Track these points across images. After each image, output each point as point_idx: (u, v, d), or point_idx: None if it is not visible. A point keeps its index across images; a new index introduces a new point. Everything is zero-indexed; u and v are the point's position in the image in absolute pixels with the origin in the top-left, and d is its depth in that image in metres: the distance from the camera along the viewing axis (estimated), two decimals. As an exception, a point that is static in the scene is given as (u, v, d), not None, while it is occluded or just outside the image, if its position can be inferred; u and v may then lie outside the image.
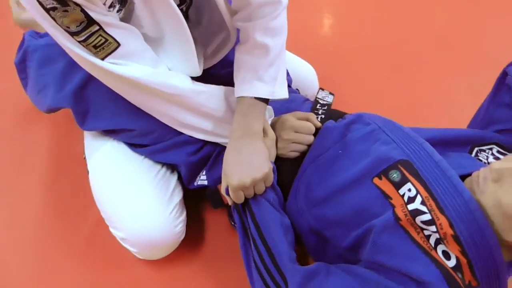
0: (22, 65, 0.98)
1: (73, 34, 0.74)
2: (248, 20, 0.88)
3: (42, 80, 0.95)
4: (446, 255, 0.76)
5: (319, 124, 0.95)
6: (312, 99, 1.09)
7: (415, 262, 0.75)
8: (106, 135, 1.00)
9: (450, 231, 0.75)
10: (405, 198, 0.79)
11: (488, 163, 0.90)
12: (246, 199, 0.87)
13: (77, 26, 0.73)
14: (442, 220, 0.75)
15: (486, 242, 0.74)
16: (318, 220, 0.87)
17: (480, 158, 0.91)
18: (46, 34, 0.98)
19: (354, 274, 0.80)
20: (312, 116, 0.95)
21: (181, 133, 0.95)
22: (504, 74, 0.97)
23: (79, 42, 0.76)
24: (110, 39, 0.77)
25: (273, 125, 0.94)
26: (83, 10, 0.72)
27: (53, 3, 0.69)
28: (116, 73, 0.80)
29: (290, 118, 0.94)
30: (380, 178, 0.82)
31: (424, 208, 0.76)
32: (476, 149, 0.92)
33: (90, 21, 0.74)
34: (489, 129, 0.97)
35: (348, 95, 1.29)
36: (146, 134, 0.95)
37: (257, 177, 0.83)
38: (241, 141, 0.86)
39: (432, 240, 0.76)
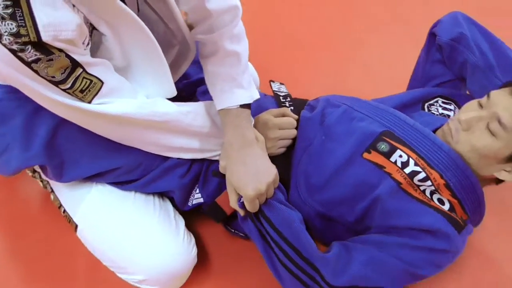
0: None
1: (58, 83, 0.69)
2: (211, 31, 0.87)
3: (1, 142, 0.83)
4: (441, 202, 0.89)
5: (296, 116, 1.00)
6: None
7: (422, 215, 0.87)
8: (86, 181, 0.93)
9: (442, 181, 0.88)
10: (398, 164, 0.89)
11: (440, 114, 1.05)
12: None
13: (61, 74, 0.68)
14: (434, 174, 0.88)
15: (469, 182, 0.89)
16: (323, 204, 0.94)
17: (432, 111, 1.05)
18: None
19: (371, 242, 0.89)
20: (287, 110, 1.00)
21: (167, 158, 0.93)
22: (432, 34, 1.12)
23: (65, 90, 0.70)
24: (94, 79, 0.73)
25: (255, 127, 0.97)
26: (67, 55, 0.67)
27: (36, 55, 0.64)
28: (105, 113, 0.76)
29: (270, 117, 0.97)
30: (369, 152, 0.91)
31: (418, 168, 0.88)
32: (426, 104, 1.07)
33: (75, 65, 0.69)
34: (429, 84, 1.13)
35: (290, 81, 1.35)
36: (133, 169, 0.91)
37: (270, 181, 0.86)
38: (242, 152, 0.88)
39: (427, 193, 0.89)
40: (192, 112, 0.89)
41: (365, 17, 1.78)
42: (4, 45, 0.62)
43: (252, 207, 0.87)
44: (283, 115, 0.99)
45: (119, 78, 0.79)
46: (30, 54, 0.63)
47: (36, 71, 0.66)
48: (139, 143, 0.88)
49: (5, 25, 0.60)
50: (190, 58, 0.97)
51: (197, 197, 0.99)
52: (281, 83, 1.16)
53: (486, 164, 0.89)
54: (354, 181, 0.91)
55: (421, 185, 0.89)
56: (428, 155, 0.90)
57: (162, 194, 0.99)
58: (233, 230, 1.06)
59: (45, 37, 0.63)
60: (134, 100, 0.80)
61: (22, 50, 0.63)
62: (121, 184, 0.93)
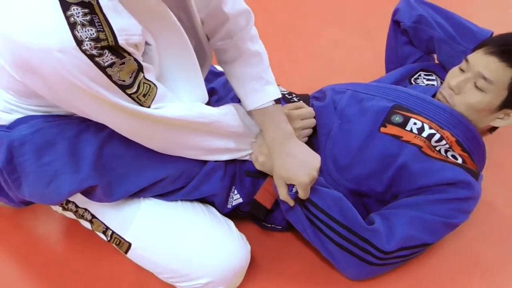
0: (11, 166, 0.81)
1: (126, 87, 0.72)
2: (229, 36, 0.93)
3: (48, 170, 0.80)
4: (455, 157, 1.02)
5: (310, 107, 1.08)
6: None
7: (444, 171, 0.98)
8: (132, 198, 0.93)
9: (453, 139, 1.00)
10: (414, 131, 1.00)
11: (426, 85, 1.18)
12: None
13: (129, 78, 0.72)
14: (446, 133, 1.00)
15: (473, 135, 1.03)
16: (354, 181, 1.03)
17: (419, 84, 1.19)
18: (15, 125, 0.84)
19: (404, 206, 0.99)
20: (301, 103, 1.08)
21: (205, 163, 0.96)
22: (395, 22, 1.27)
23: (131, 95, 0.74)
24: (151, 84, 0.77)
25: None
26: (135, 59, 0.72)
27: (112, 59, 0.68)
28: (162, 116, 0.79)
29: (289, 110, 1.04)
30: (385, 126, 1.02)
31: (432, 131, 1.00)
32: (412, 79, 1.21)
33: (139, 69, 0.73)
34: (405, 63, 1.27)
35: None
36: (177, 177, 0.93)
37: (319, 166, 0.93)
38: (286, 145, 0.93)
39: (442, 152, 1.01)
40: (229, 113, 0.93)
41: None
42: (84, 51, 0.64)
43: (305, 194, 0.93)
44: (299, 108, 1.07)
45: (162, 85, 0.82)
46: (107, 58, 0.67)
47: (110, 76, 0.69)
48: (183, 148, 0.90)
49: (85, 31, 0.64)
50: (207, 66, 1.01)
51: (236, 198, 1.02)
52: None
53: (482, 117, 1.03)
54: (377, 155, 1.01)
55: (437, 146, 1.00)
56: (436, 118, 1.02)
57: (202, 201, 1.01)
58: (269, 225, 1.10)
59: (121, 40, 0.67)
60: (183, 103, 0.84)
61: (100, 55, 0.66)
62: (167, 195, 0.95)
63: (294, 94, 1.16)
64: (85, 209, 0.95)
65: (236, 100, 1.05)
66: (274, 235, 1.12)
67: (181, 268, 0.91)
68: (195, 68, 0.87)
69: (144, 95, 0.75)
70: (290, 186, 0.94)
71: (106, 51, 0.66)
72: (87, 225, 0.98)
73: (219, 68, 1.21)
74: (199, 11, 0.92)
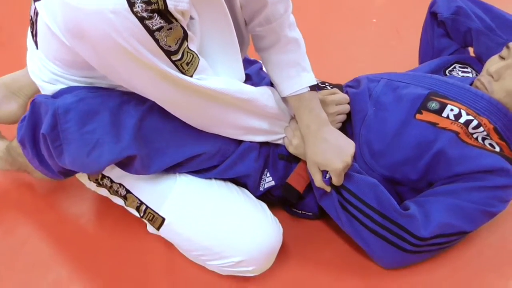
0: (54, 132, 0.81)
1: (171, 53, 0.74)
2: (268, 22, 0.94)
3: (91, 139, 0.81)
4: (492, 146, 1.00)
5: (345, 94, 1.08)
6: None
7: (482, 158, 0.97)
8: (168, 173, 0.93)
9: (491, 126, 0.99)
10: (451, 117, 0.99)
11: (462, 77, 1.17)
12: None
13: (175, 44, 0.73)
14: (484, 120, 0.99)
15: (511, 123, 1.01)
16: (388, 168, 1.01)
17: (454, 75, 1.18)
18: (59, 94, 0.86)
19: (440, 193, 0.98)
20: (336, 90, 1.08)
21: (240, 143, 0.96)
22: (431, 14, 1.27)
23: (175, 62, 0.75)
24: (194, 54, 0.78)
25: None
26: (181, 26, 0.73)
27: (160, 23, 0.69)
28: (204, 87, 0.80)
29: (324, 96, 1.04)
30: (421, 113, 1.01)
31: (470, 117, 0.98)
32: (446, 71, 1.20)
33: (185, 37, 0.74)
34: (442, 55, 1.26)
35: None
36: (213, 154, 0.93)
37: (353, 152, 0.93)
38: (321, 131, 0.94)
39: (480, 139, 0.99)
40: (265, 94, 0.94)
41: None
42: (136, 13, 0.66)
43: (339, 180, 0.92)
44: (334, 94, 1.07)
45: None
46: (156, 22, 0.68)
47: (157, 40, 0.70)
48: (219, 125, 0.91)
49: None
50: (244, 50, 1.02)
51: (268, 181, 1.02)
52: None
53: None
54: (413, 142, 0.99)
55: (475, 133, 0.99)
56: (474, 105, 1.00)
57: (235, 183, 1.01)
58: (300, 212, 1.09)
59: (170, 5, 0.68)
60: (224, 77, 0.85)
61: (150, 18, 0.67)
62: (202, 172, 0.95)
63: (328, 83, 1.16)
64: (120, 184, 0.96)
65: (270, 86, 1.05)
66: (305, 222, 1.11)
67: (215, 245, 0.91)
68: (235, 48, 0.88)
69: (187, 64, 0.76)
70: (324, 172, 0.94)
71: (156, 14, 0.68)
72: (120, 202, 0.99)
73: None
74: None
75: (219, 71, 0.88)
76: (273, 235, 0.93)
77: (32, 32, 0.88)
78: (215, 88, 0.81)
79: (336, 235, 1.08)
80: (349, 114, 1.06)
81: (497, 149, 0.99)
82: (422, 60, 1.35)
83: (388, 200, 0.94)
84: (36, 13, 0.82)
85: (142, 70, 0.74)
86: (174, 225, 0.92)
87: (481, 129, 0.98)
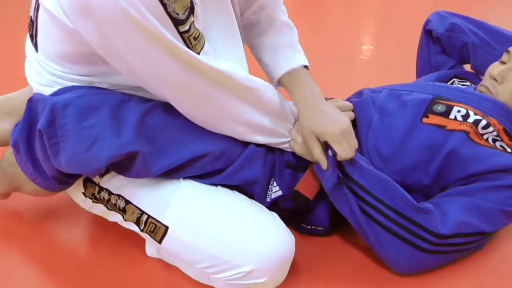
0: (51, 129, 0.76)
1: (179, 23, 0.73)
2: (262, 9, 0.98)
3: (90, 134, 0.76)
4: (503, 148, 0.97)
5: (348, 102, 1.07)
6: None
7: (495, 157, 0.94)
8: (171, 179, 0.88)
9: (500, 127, 0.97)
10: (459, 118, 0.97)
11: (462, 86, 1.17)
12: (348, 176, 0.91)
13: (183, 14, 0.72)
14: (493, 120, 0.97)
15: None
16: (398, 173, 0.98)
17: None
18: (58, 93, 0.83)
19: (457, 194, 0.94)
20: (339, 99, 1.07)
21: (246, 146, 0.93)
22: (428, 31, 1.30)
23: (182, 33, 0.74)
24: (200, 33, 0.77)
25: None
26: None
27: None
28: (211, 67, 0.79)
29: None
30: (427, 117, 0.99)
31: (478, 117, 0.97)
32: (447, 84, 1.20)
33: (191, 9, 0.74)
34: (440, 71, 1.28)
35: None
36: (218, 157, 0.89)
37: (349, 122, 0.92)
38: (317, 104, 0.93)
39: (490, 141, 0.97)
40: (271, 88, 0.93)
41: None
42: None
43: (341, 148, 0.89)
44: (337, 101, 1.05)
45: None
46: None
47: (165, 5, 0.70)
48: (222, 119, 0.88)
49: None
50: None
51: (275, 190, 0.97)
52: None
53: None
54: (422, 145, 0.97)
55: (485, 134, 0.97)
56: (480, 107, 1.00)
57: (241, 192, 0.96)
58: (309, 227, 1.03)
59: None
60: (229, 63, 0.84)
61: None
62: (206, 177, 0.90)
63: (328, 98, 1.15)
64: (119, 196, 0.90)
65: None
66: (315, 240, 1.04)
67: (223, 253, 0.83)
68: (236, 36, 0.89)
69: (195, 38, 0.76)
70: (326, 151, 0.91)
71: None
72: (117, 218, 0.92)
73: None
74: None
75: (223, 58, 0.87)
76: (286, 242, 0.87)
77: (31, 35, 0.87)
78: (223, 70, 0.80)
79: (348, 254, 1.01)
80: (354, 122, 1.04)
81: (509, 150, 0.97)
82: (420, 71, 1.36)
83: (402, 197, 0.90)
84: (37, 8, 0.81)
85: (147, 44, 0.73)
86: (178, 233, 0.85)
87: (491, 129, 0.96)
